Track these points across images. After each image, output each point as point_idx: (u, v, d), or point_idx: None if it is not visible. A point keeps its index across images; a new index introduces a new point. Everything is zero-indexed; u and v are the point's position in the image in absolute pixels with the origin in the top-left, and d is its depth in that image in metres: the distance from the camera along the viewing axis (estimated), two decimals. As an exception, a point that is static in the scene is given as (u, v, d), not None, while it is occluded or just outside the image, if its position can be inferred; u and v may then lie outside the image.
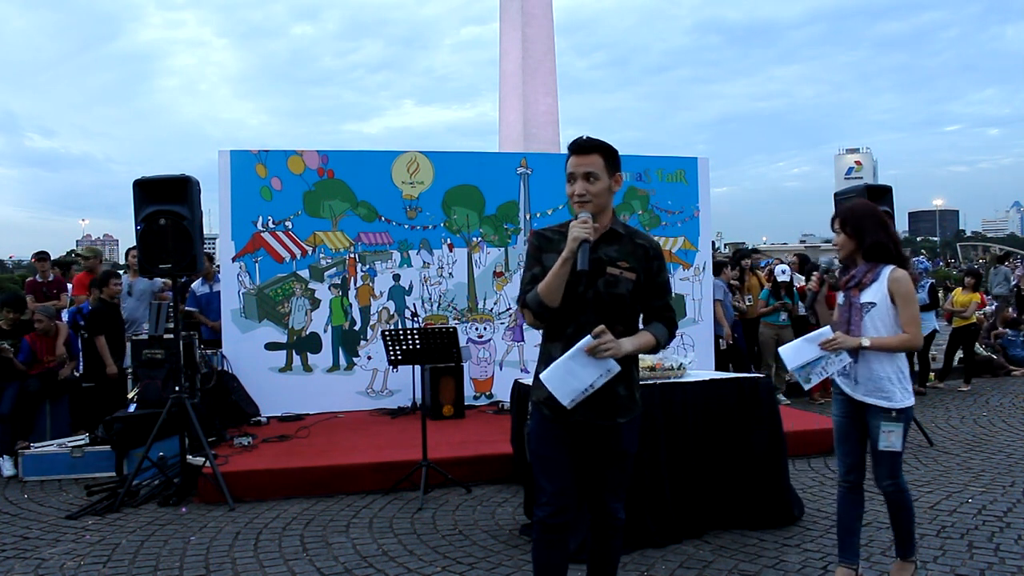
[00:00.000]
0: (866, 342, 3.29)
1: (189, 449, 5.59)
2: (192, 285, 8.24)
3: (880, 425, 3.31)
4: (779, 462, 4.57)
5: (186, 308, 7.77)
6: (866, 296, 3.36)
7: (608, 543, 2.87)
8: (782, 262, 9.86)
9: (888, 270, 3.33)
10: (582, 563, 3.87)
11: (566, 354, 2.62)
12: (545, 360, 2.76)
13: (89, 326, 7.27)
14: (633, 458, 2.87)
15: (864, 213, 3.42)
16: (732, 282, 8.88)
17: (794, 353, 3.51)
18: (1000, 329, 11.05)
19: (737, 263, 9.18)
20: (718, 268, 8.82)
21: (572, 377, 2.61)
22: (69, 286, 9.50)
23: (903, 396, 3.31)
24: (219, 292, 7.97)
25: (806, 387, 3.58)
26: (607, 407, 2.73)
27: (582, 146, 2.77)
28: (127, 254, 8.47)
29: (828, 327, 3.47)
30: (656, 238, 8.38)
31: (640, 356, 4.62)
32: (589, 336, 2.60)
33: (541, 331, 2.86)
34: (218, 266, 8.14)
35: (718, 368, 8.29)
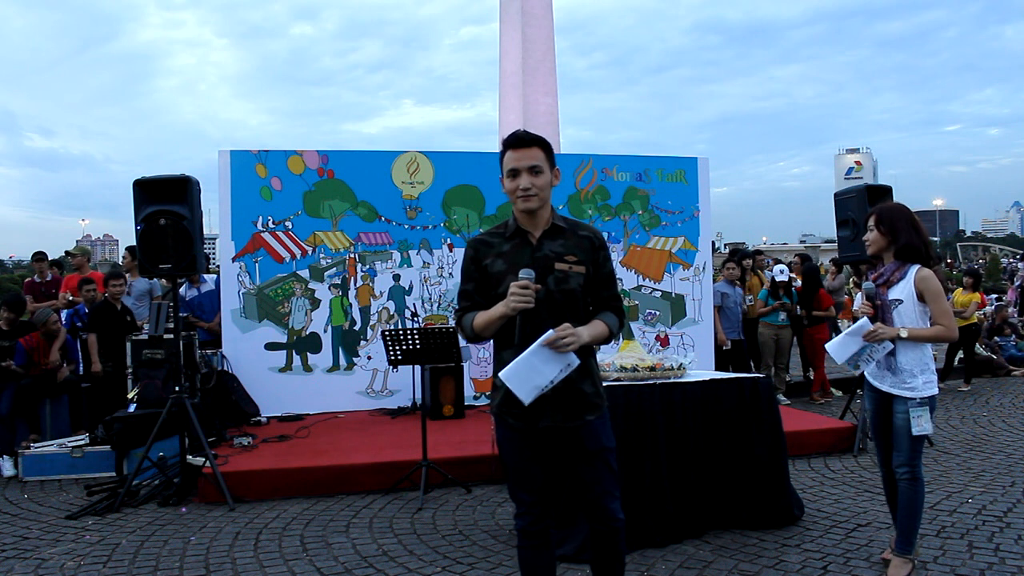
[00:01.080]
0: (904, 333, 3.47)
1: (189, 449, 5.59)
2: (179, 291, 8.22)
3: (909, 411, 3.48)
4: (779, 462, 4.57)
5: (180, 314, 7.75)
6: (894, 293, 3.56)
7: (610, 546, 2.80)
8: (780, 262, 9.85)
9: (915, 269, 3.51)
10: (583, 563, 3.88)
11: (527, 351, 2.52)
12: (499, 367, 2.66)
13: (89, 322, 7.28)
14: (614, 452, 2.79)
15: (899, 214, 3.60)
16: (735, 283, 8.83)
17: (840, 348, 3.67)
18: (994, 339, 11.06)
19: (739, 262, 9.16)
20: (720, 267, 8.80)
21: (534, 374, 2.53)
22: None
23: (926, 386, 3.49)
24: (208, 293, 7.97)
25: (856, 373, 3.89)
26: (575, 407, 2.68)
27: (522, 139, 2.69)
28: (124, 256, 8.50)
29: (866, 319, 3.63)
30: (656, 238, 8.53)
31: (640, 356, 4.64)
32: (551, 330, 2.52)
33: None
34: (217, 266, 8.13)
35: (719, 368, 8.29)
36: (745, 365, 8.42)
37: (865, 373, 3.69)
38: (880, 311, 3.61)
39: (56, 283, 9.07)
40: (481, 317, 2.67)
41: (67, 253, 9.28)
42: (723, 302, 8.49)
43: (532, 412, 2.64)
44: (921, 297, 3.48)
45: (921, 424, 3.47)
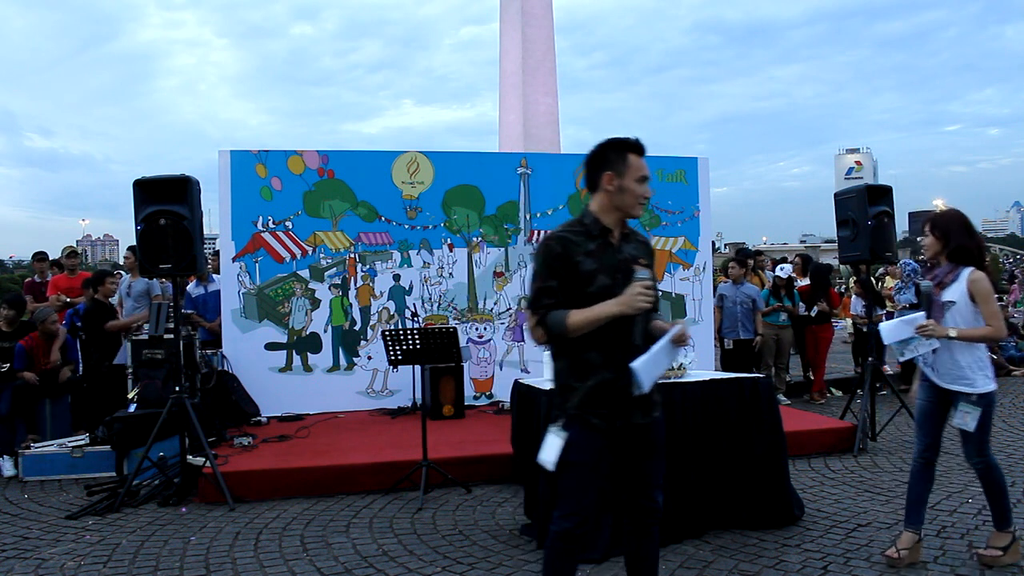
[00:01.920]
0: (953, 333, 3.63)
1: (189, 449, 5.59)
2: (187, 287, 8.24)
3: (959, 405, 3.68)
4: (779, 462, 4.57)
5: (183, 311, 7.77)
6: (947, 295, 3.70)
7: (653, 533, 2.87)
8: (785, 261, 9.84)
9: (967, 272, 3.66)
10: (583, 563, 3.88)
11: (658, 345, 2.65)
12: (581, 367, 2.69)
13: (84, 326, 7.29)
14: None
15: (952, 219, 3.77)
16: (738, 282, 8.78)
17: (892, 331, 3.92)
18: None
19: (743, 262, 9.14)
20: (724, 269, 8.76)
21: (657, 367, 2.67)
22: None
23: (984, 382, 3.67)
24: (214, 292, 7.97)
25: (899, 360, 4.25)
26: (650, 403, 2.78)
27: (644, 147, 2.79)
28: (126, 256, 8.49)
29: (923, 312, 3.84)
30: (656, 238, 8.52)
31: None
32: (678, 326, 2.70)
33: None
34: (217, 259, 8.13)
35: (725, 368, 8.28)
36: (750, 364, 8.30)
37: (922, 367, 3.86)
38: (933, 310, 3.77)
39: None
40: (580, 315, 2.63)
41: (72, 252, 9.28)
42: (722, 303, 8.46)
43: (616, 411, 2.70)
44: (973, 298, 3.62)
45: (966, 420, 3.66)
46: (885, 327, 3.98)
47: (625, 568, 2.94)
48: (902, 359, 4.08)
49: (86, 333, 7.34)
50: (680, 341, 2.69)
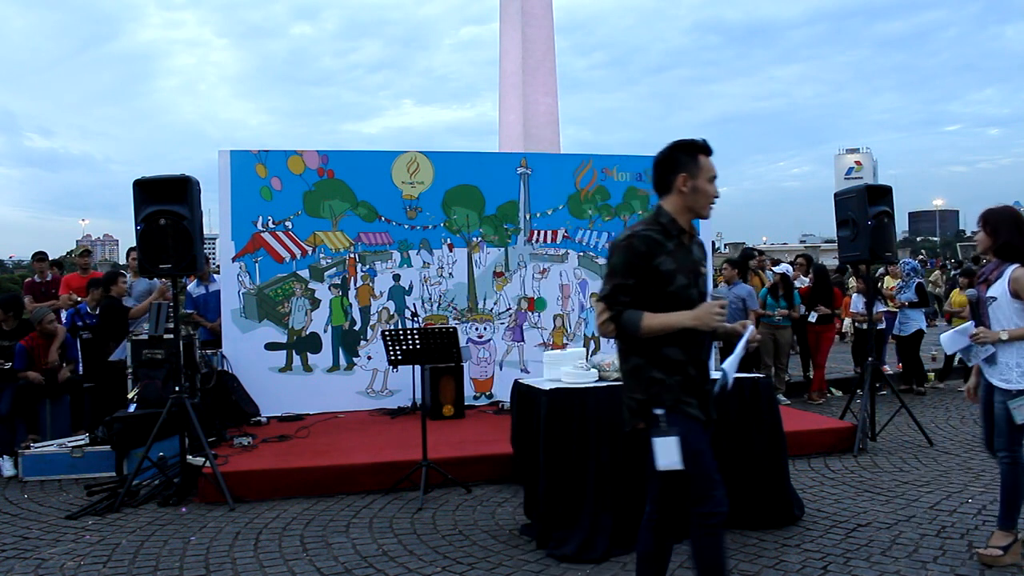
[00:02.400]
0: (1004, 335, 3.67)
1: (189, 449, 5.59)
2: (188, 287, 8.24)
3: (1007, 403, 3.66)
4: (779, 462, 4.57)
5: (184, 310, 7.78)
6: (991, 291, 3.73)
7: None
8: (780, 262, 9.85)
9: (1012, 268, 3.66)
10: (583, 563, 3.89)
11: (739, 347, 2.83)
12: (663, 363, 2.74)
13: (99, 321, 7.31)
14: None
15: (1003, 215, 3.78)
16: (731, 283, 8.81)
17: (950, 342, 4.11)
18: None
19: (741, 263, 9.15)
20: (744, 277, 8.75)
21: (733, 369, 2.81)
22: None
23: (1020, 379, 3.65)
24: (215, 293, 7.97)
25: (970, 364, 4.36)
26: (714, 403, 2.89)
27: (711, 149, 2.87)
28: (128, 255, 8.47)
29: (972, 322, 3.95)
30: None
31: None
32: (750, 327, 2.88)
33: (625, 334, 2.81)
34: (218, 266, 8.14)
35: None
36: (745, 365, 8.31)
37: (979, 364, 3.92)
38: (980, 310, 3.81)
39: (56, 283, 9.07)
40: (656, 320, 2.70)
41: (86, 251, 9.29)
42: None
43: (706, 405, 2.83)
44: (1017, 295, 3.61)
45: (1022, 413, 3.66)
46: (945, 338, 4.14)
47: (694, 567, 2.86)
48: (969, 364, 4.31)
49: (101, 331, 7.34)
50: (752, 342, 2.86)
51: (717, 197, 2.86)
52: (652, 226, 2.80)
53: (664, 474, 2.75)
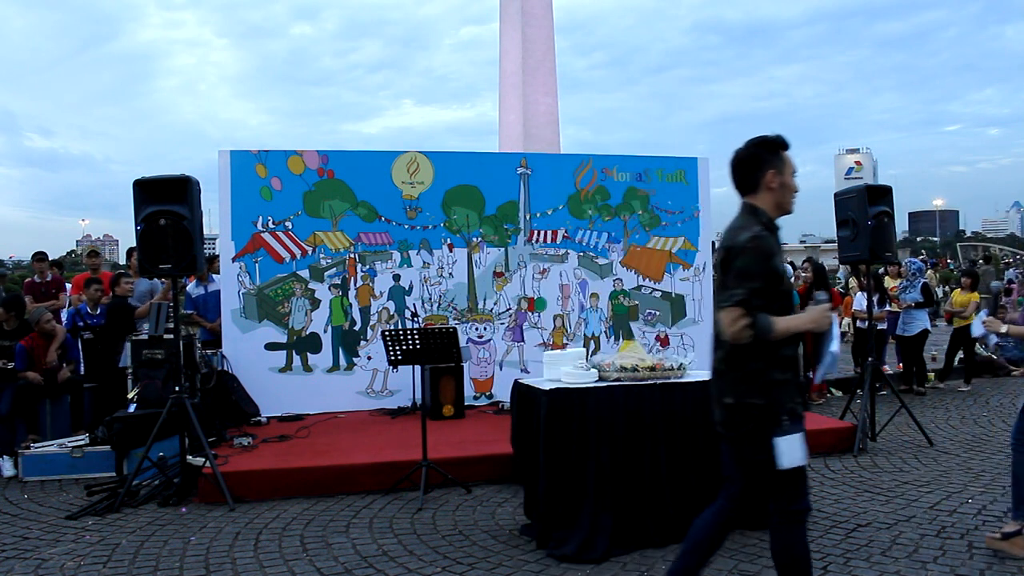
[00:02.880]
0: (1003, 328, 3.81)
1: (189, 449, 5.59)
2: (187, 287, 8.24)
3: None
4: (779, 462, 4.56)
5: (184, 311, 7.78)
6: None
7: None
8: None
9: None
10: (584, 563, 3.89)
11: (835, 343, 2.92)
12: (781, 362, 2.80)
13: (107, 320, 7.32)
14: None
15: None
16: None
17: (974, 326, 4.22)
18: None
19: None
20: None
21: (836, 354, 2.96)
22: (68, 286, 9.50)
23: None
24: (214, 293, 7.97)
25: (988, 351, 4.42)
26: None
27: None
28: (128, 255, 8.48)
29: (985, 310, 4.12)
30: (656, 238, 8.52)
31: (640, 356, 4.64)
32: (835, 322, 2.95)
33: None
34: (218, 256, 8.13)
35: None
36: None
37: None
38: (999, 302, 3.97)
39: (56, 283, 9.07)
40: (784, 323, 2.76)
41: (92, 252, 9.28)
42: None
43: (804, 401, 2.96)
44: None
45: None
46: (975, 322, 4.24)
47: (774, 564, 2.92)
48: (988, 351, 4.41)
49: (109, 332, 7.34)
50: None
51: (795, 192, 2.92)
52: (761, 225, 2.80)
53: (750, 473, 2.86)
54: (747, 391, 2.79)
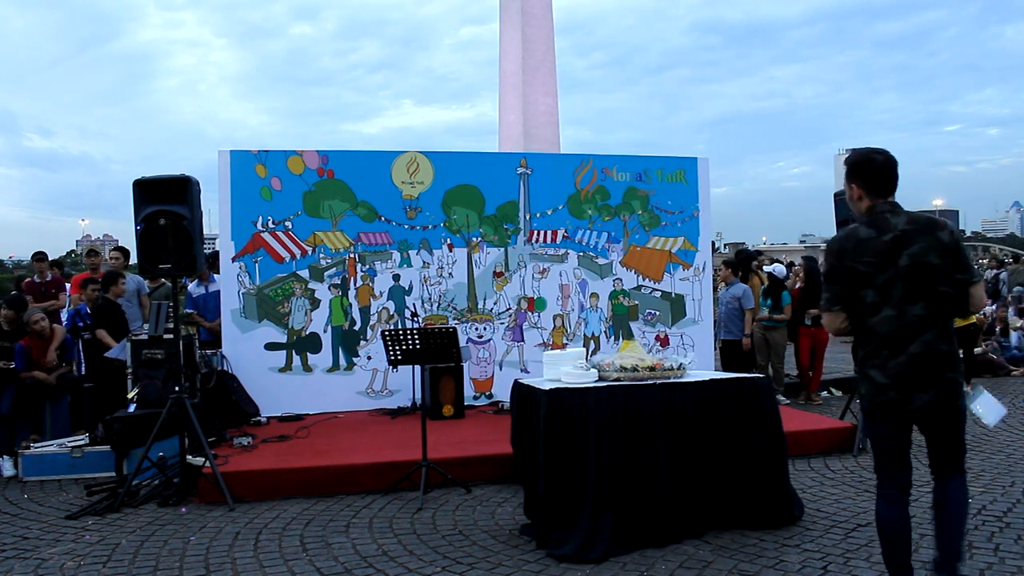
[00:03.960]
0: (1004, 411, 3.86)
1: (189, 449, 5.59)
2: (188, 287, 8.24)
3: None
4: (779, 462, 4.57)
5: (185, 310, 7.78)
6: None
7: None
8: (778, 262, 9.84)
9: None
10: (584, 563, 3.89)
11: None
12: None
13: (94, 321, 7.30)
14: None
15: None
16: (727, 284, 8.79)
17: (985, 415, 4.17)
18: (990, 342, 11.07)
19: (738, 265, 9.15)
20: (745, 276, 8.77)
21: None
22: (67, 286, 9.49)
23: None
24: (215, 293, 7.96)
25: None
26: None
27: None
28: (109, 254, 8.50)
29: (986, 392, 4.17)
30: (656, 238, 8.52)
31: (640, 356, 4.65)
32: None
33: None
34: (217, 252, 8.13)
35: (722, 367, 8.28)
36: (741, 364, 8.26)
37: None
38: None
39: (56, 283, 9.07)
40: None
41: (92, 250, 9.28)
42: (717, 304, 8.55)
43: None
44: None
45: None
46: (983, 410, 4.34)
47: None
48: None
49: (95, 326, 7.33)
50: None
51: None
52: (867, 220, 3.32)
53: (959, 441, 3.14)
54: (958, 367, 3.15)
